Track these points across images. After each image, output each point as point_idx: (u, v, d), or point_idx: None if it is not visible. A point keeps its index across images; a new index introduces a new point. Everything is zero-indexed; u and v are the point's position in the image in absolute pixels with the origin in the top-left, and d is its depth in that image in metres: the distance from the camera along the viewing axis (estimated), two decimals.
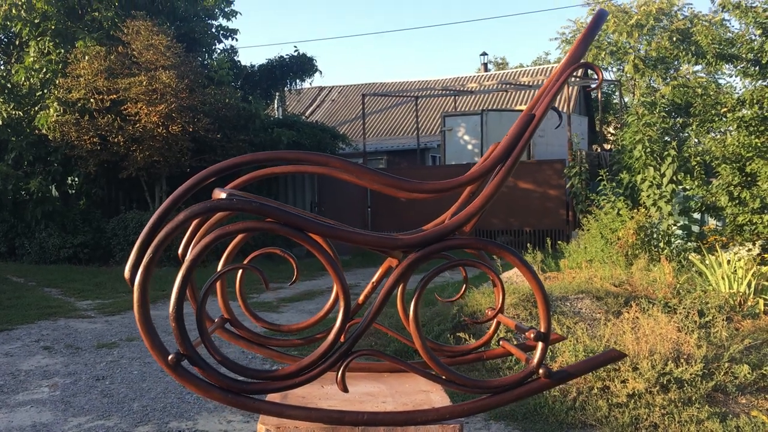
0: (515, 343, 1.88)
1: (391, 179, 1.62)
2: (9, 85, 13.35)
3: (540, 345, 1.54)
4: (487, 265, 1.58)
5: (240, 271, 1.89)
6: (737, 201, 8.52)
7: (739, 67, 8.81)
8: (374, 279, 1.93)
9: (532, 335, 1.55)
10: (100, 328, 7.29)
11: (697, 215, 9.68)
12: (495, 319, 1.89)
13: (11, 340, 6.70)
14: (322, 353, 1.51)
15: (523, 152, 1.56)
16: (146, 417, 4.38)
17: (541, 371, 1.53)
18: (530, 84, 18.20)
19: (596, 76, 1.72)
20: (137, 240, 1.50)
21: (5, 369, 5.62)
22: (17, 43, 14.84)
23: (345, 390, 1.51)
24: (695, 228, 9.27)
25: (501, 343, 1.87)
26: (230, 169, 1.59)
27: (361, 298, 1.94)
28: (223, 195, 1.53)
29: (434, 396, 1.72)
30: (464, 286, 1.98)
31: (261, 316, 2.27)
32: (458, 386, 1.54)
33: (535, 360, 1.54)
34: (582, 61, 1.63)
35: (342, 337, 1.78)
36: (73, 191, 14.13)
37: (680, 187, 9.89)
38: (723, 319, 5.25)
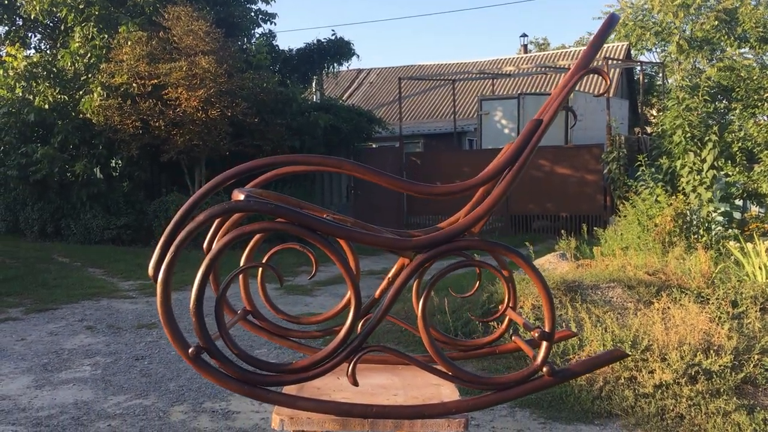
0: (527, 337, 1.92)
1: (403, 183, 1.68)
2: (55, 69, 13.69)
3: (544, 344, 1.59)
4: (494, 266, 1.63)
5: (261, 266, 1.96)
6: None
7: None
8: (390, 275, 1.99)
9: (536, 335, 1.60)
10: (141, 308, 7.52)
11: (739, 202, 9.49)
12: (507, 315, 1.94)
13: (56, 320, 6.97)
14: (334, 348, 1.58)
15: (531, 157, 1.60)
16: (182, 397, 4.54)
17: (544, 369, 1.58)
18: (568, 67, 17.94)
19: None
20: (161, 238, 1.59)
21: (50, 347, 5.87)
22: (62, 28, 15.20)
23: (355, 384, 1.58)
24: (737, 215, 9.10)
25: (513, 338, 1.92)
26: (248, 172, 1.67)
27: (378, 293, 2.01)
28: (242, 196, 1.60)
29: (444, 390, 1.79)
30: (477, 283, 2.03)
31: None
32: (463, 382, 1.60)
33: (540, 358, 1.59)
34: (594, 64, 1.66)
35: (359, 328, 1.86)
36: (117, 174, 14.48)
37: (721, 173, 9.70)
38: (757, 310, 5.19)
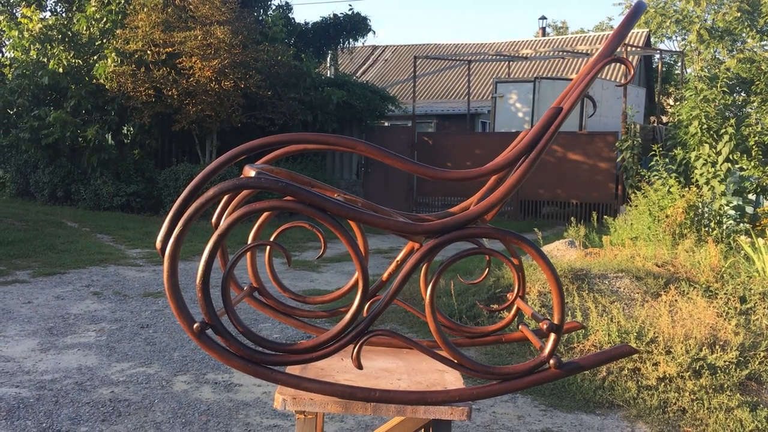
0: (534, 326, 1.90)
1: (418, 166, 1.65)
2: (70, 33, 13.64)
3: (552, 336, 1.57)
4: (504, 255, 1.60)
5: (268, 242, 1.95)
6: None
7: None
8: (398, 258, 1.97)
9: (544, 326, 1.58)
10: (148, 276, 7.55)
11: (752, 196, 9.40)
12: (515, 304, 1.92)
13: (63, 284, 7.01)
14: (340, 330, 1.57)
15: (549, 145, 1.56)
16: (185, 367, 4.56)
17: (551, 362, 1.56)
18: (586, 52, 17.72)
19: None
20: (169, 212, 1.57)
21: (56, 312, 5.90)
22: None
23: (359, 367, 1.57)
24: (749, 209, 9.01)
25: (520, 327, 1.90)
26: (259, 149, 1.65)
27: (385, 275, 1.99)
28: (253, 173, 1.58)
29: (449, 377, 1.77)
30: (486, 270, 2.01)
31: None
32: (469, 371, 1.58)
33: (547, 350, 1.57)
34: (616, 53, 1.62)
35: (365, 311, 1.85)
36: (128, 141, 14.48)
37: (736, 166, 9.61)
38: (765, 307, 5.15)
